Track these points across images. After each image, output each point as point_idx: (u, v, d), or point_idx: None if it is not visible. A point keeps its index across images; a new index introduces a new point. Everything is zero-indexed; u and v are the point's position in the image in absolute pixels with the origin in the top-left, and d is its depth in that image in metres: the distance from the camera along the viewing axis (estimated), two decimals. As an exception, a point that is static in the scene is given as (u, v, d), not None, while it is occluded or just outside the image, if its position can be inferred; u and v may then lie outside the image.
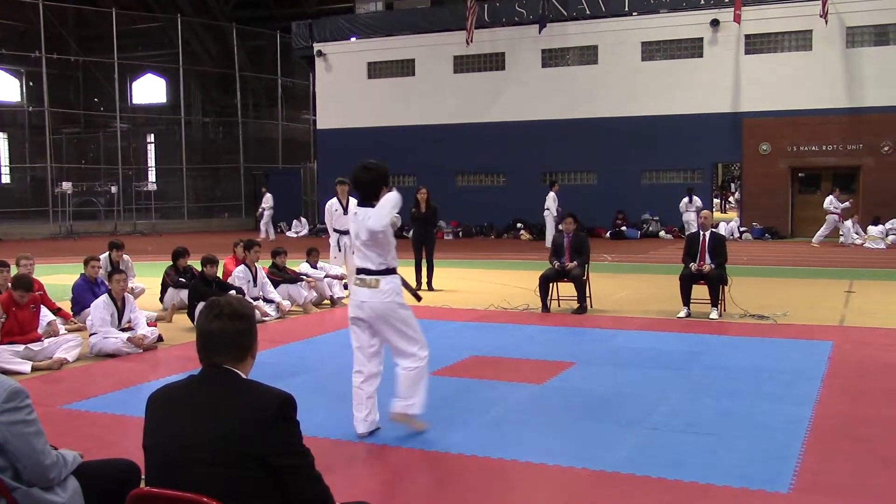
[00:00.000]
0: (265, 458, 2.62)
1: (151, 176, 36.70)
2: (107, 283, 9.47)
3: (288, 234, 28.81)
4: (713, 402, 6.41)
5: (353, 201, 13.09)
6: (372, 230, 5.38)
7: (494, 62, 28.07)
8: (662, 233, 25.19)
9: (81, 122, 38.04)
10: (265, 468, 2.63)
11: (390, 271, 5.49)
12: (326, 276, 12.13)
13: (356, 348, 5.65)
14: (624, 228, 25.29)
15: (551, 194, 21.68)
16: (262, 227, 27.15)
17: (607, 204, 25.54)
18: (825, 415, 6.00)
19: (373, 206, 5.45)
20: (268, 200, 27.28)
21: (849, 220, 21.86)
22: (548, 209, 21.70)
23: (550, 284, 11.19)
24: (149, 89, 39.60)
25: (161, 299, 11.49)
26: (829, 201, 21.74)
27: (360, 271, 5.55)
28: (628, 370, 7.60)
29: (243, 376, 2.80)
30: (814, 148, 24.11)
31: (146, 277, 13.05)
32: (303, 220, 29.53)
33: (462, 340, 9.04)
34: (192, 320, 10.17)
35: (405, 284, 5.74)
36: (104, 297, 8.77)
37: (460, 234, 26.37)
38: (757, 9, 24.51)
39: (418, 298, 6.14)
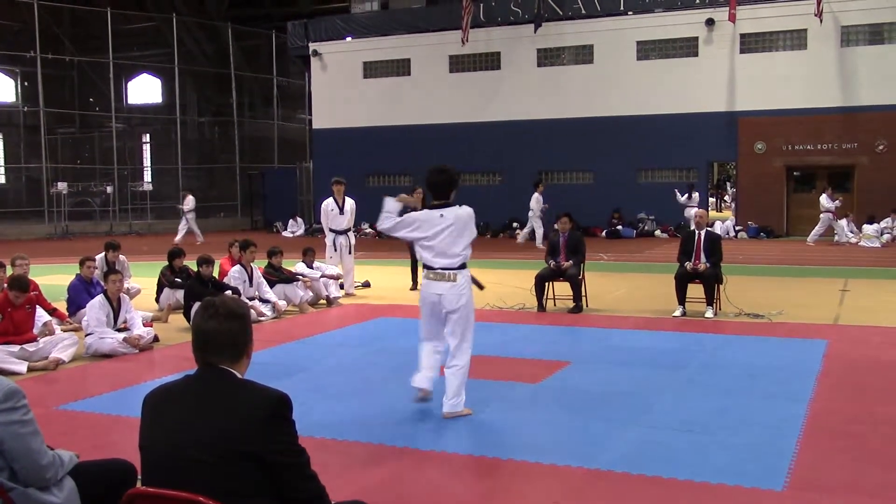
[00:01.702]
0: (261, 457, 2.63)
1: (147, 176, 36.65)
2: (102, 283, 9.47)
3: (284, 233, 28.79)
4: (708, 400, 6.43)
5: (349, 201, 13.28)
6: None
7: (490, 62, 28.08)
8: (658, 232, 25.22)
9: (77, 122, 37.98)
10: (261, 467, 2.64)
11: (464, 266, 6.02)
12: (322, 276, 12.14)
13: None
14: (619, 227, 25.31)
15: (536, 195, 21.70)
16: (180, 231, 24.96)
17: (603, 203, 25.56)
18: (819, 413, 6.03)
19: (447, 205, 6.01)
20: (189, 203, 25.24)
21: (843, 218, 21.91)
22: (532, 210, 21.72)
23: (546, 283, 11.21)
24: (144, 89, 39.55)
25: (157, 299, 11.49)
26: (825, 199, 21.76)
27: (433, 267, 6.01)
28: (624, 369, 7.62)
29: (239, 376, 2.81)
30: (809, 147, 24.15)
31: (142, 277, 13.05)
32: (299, 219, 29.51)
33: (458, 340, 9.05)
34: (188, 320, 10.16)
35: (473, 280, 6.21)
36: (100, 298, 8.77)
37: (456, 233, 26.38)
38: (752, 8, 24.54)
39: (481, 287, 6.55)
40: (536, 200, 21.58)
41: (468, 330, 6.04)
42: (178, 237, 24.34)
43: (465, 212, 6.04)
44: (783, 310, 10.73)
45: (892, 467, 4.91)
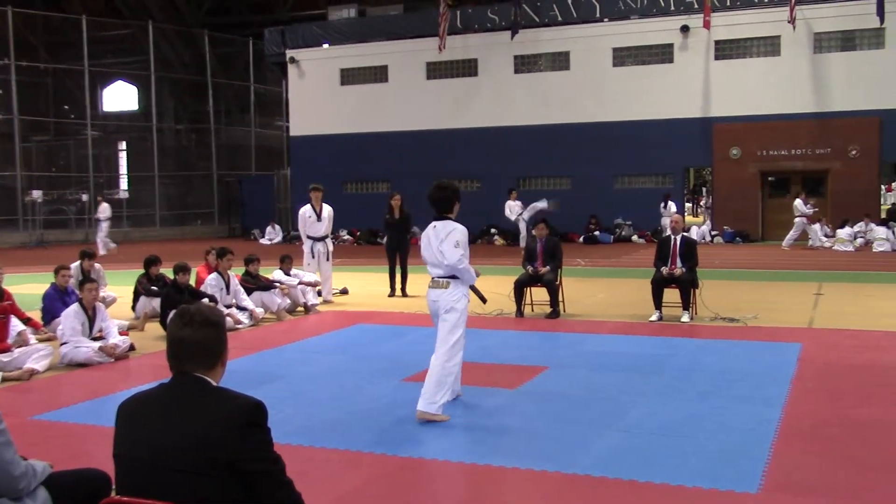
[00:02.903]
0: (236, 465, 2.63)
1: (123, 184, 36.38)
2: (77, 292, 9.40)
3: (261, 241, 28.70)
4: (684, 404, 6.48)
5: (326, 207, 13.26)
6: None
7: (467, 68, 28.15)
8: (635, 237, 25.37)
9: (52, 129, 37.62)
10: (236, 475, 2.64)
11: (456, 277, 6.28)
12: (300, 283, 12.10)
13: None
14: (597, 233, 25.43)
15: (509, 202, 21.78)
16: (99, 242, 23.47)
17: (580, 209, 25.67)
18: (794, 416, 6.09)
19: (448, 219, 6.29)
20: (104, 211, 24.02)
21: (817, 223, 22.13)
22: (519, 216, 21.80)
23: (524, 289, 11.24)
24: (120, 96, 39.25)
25: (133, 308, 11.42)
26: (799, 204, 21.96)
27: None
28: (601, 374, 7.66)
29: (214, 384, 2.81)
30: (783, 152, 24.40)
31: (118, 286, 12.95)
32: (276, 227, 29.42)
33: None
34: (165, 328, 10.12)
35: (474, 290, 6.53)
36: (75, 307, 8.70)
37: (434, 239, 26.39)
38: (726, 15, 24.79)
39: (483, 300, 7.00)
40: (510, 208, 21.65)
41: (451, 334, 6.20)
42: (102, 250, 22.52)
43: (451, 228, 6.21)
44: (758, 314, 10.82)
45: (865, 469, 4.96)
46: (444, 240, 6.16)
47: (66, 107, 37.74)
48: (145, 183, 33.74)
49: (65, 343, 8.42)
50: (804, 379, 7.26)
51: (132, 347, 8.99)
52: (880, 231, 20.99)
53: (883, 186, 32.09)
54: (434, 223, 6.33)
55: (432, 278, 6.33)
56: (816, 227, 22.03)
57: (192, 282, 11.17)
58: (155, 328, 10.38)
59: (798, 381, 7.19)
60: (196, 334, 2.78)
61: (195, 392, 2.76)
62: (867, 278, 15.11)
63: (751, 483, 4.70)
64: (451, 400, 6.38)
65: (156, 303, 10.80)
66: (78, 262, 11.44)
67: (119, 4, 35.25)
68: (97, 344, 8.50)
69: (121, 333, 9.12)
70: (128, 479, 2.75)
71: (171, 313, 9.85)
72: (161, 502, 2.59)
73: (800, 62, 24.17)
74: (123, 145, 38.76)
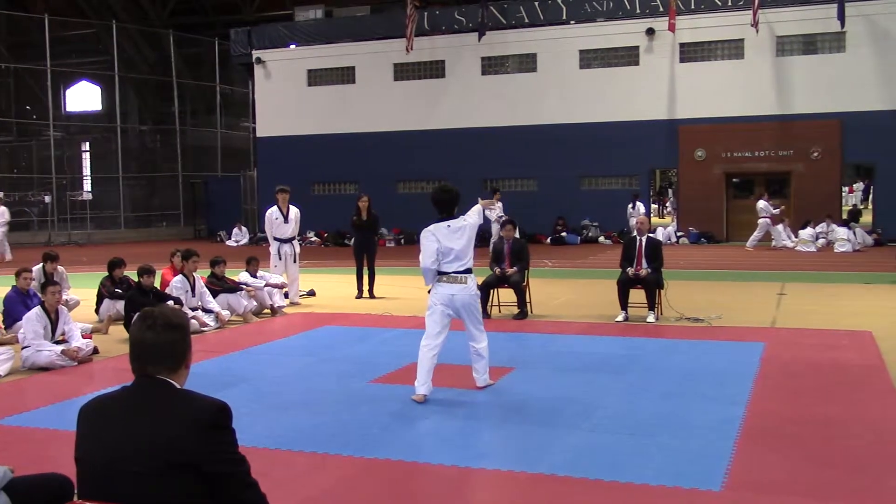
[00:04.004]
0: (199, 466, 2.62)
1: (87, 185, 35.92)
2: (40, 294, 9.27)
3: (228, 242, 28.47)
4: (649, 403, 6.54)
5: (293, 209, 13.20)
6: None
7: (434, 70, 28.17)
8: (602, 238, 25.52)
9: (13, 130, 37.09)
10: (199, 476, 2.63)
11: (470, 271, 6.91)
12: (266, 285, 12.03)
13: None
14: (564, 234, 25.55)
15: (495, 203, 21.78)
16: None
17: (547, 210, 25.77)
18: (756, 414, 6.17)
19: (452, 217, 6.93)
20: (3, 215, 22.41)
21: (780, 224, 22.42)
22: (500, 217, 21.81)
23: (491, 290, 11.27)
24: (83, 97, 38.75)
25: (97, 311, 11.29)
26: (765, 206, 22.23)
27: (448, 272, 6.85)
28: (567, 374, 7.71)
29: (178, 386, 2.79)
30: (747, 154, 24.67)
31: (81, 289, 12.80)
32: (243, 228, 29.20)
33: (403, 348, 9.01)
34: (129, 331, 10.01)
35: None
36: (37, 310, 8.59)
37: (402, 241, 26.38)
38: (691, 18, 25.02)
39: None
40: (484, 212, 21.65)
41: (480, 322, 7.13)
42: (8, 256, 21.59)
43: (465, 222, 6.97)
44: (722, 314, 10.94)
45: (827, 466, 5.05)
46: (468, 228, 6.87)
47: (28, 107, 37.22)
48: (109, 184, 33.31)
49: (26, 347, 8.31)
50: (767, 378, 7.36)
51: (96, 351, 8.90)
52: (841, 232, 21.30)
53: (844, 188, 32.63)
54: (448, 223, 6.86)
55: (448, 274, 6.78)
56: (780, 227, 22.32)
57: (158, 284, 11.08)
58: (119, 331, 10.27)
59: (761, 379, 7.29)
60: (159, 337, 2.77)
61: (158, 394, 2.74)
62: (829, 278, 15.33)
63: (714, 481, 4.76)
64: (422, 399, 6.63)
65: (120, 305, 10.69)
66: (40, 265, 11.30)
67: (82, 4, 34.78)
68: (60, 347, 8.40)
69: (84, 336, 9.01)
70: (89, 482, 2.73)
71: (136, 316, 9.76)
72: (123, 507, 2.58)
73: (763, 65, 24.47)
74: (87, 146, 38.27)
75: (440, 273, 6.82)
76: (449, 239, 6.80)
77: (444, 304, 6.82)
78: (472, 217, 7.06)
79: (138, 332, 2.80)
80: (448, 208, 6.98)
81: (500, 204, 21.95)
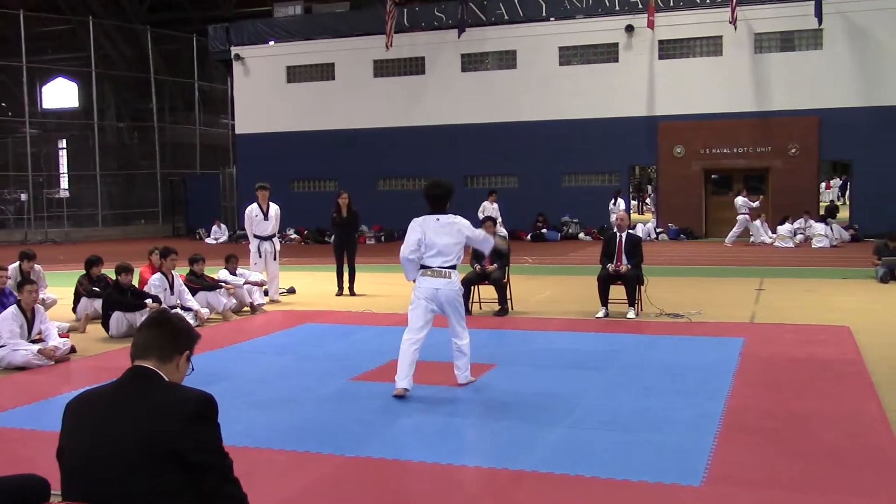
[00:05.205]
0: (182, 455, 2.62)
1: (64, 183, 35.61)
2: (16, 293, 9.18)
3: (207, 240, 28.31)
4: (629, 399, 6.55)
5: (273, 206, 13.15)
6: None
7: (414, 66, 28.12)
8: (582, 234, 25.59)
9: (-11, 127, 36.73)
10: (183, 467, 2.63)
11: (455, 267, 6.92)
12: (246, 283, 11.97)
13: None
14: (544, 231, 25.60)
15: (486, 204, 21.85)
16: None
17: (528, 206, 25.81)
18: (736, 409, 6.20)
19: (444, 213, 6.85)
20: None
21: (758, 219, 22.56)
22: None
23: (472, 287, 11.27)
24: (60, 93, 38.43)
25: (74, 309, 11.19)
26: (744, 202, 22.36)
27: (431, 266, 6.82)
28: (548, 370, 7.72)
29: (165, 378, 2.82)
30: (725, 150, 24.82)
31: (58, 287, 12.68)
32: (222, 225, 29.05)
33: (383, 345, 8.99)
34: (107, 330, 9.94)
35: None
36: (13, 309, 8.50)
37: (383, 238, 26.33)
38: (669, 15, 25.12)
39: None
40: (483, 209, 21.68)
41: (462, 317, 7.09)
42: None
43: (457, 219, 6.89)
44: (702, 309, 10.99)
45: (805, 461, 5.07)
46: (459, 229, 6.79)
47: (3, 104, 36.85)
48: (87, 182, 33.04)
49: (2, 346, 8.22)
50: (746, 373, 7.40)
51: (73, 350, 8.81)
52: (819, 227, 21.47)
53: (822, 184, 32.90)
54: (437, 216, 6.80)
55: (430, 268, 6.75)
56: (758, 223, 22.46)
57: (136, 282, 10.99)
58: (97, 330, 10.19)
59: (740, 374, 7.33)
60: (151, 331, 2.89)
61: (143, 385, 2.79)
62: (807, 273, 15.45)
63: (694, 476, 4.78)
64: (403, 393, 6.66)
65: (97, 304, 10.59)
66: (17, 263, 11.17)
67: (58, 0, 34.46)
68: (36, 346, 8.31)
69: (61, 335, 8.93)
70: (72, 475, 2.73)
71: (114, 314, 9.72)
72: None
73: (741, 62, 24.61)
74: (64, 143, 37.93)
75: (423, 266, 6.80)
76: (436, 233, 6.75)
77: (428, 298, 6.80)
78: (473, 230, 7.01)
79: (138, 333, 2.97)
80: (440, 204, 6.90)
81: (496, 206, 21.98)
